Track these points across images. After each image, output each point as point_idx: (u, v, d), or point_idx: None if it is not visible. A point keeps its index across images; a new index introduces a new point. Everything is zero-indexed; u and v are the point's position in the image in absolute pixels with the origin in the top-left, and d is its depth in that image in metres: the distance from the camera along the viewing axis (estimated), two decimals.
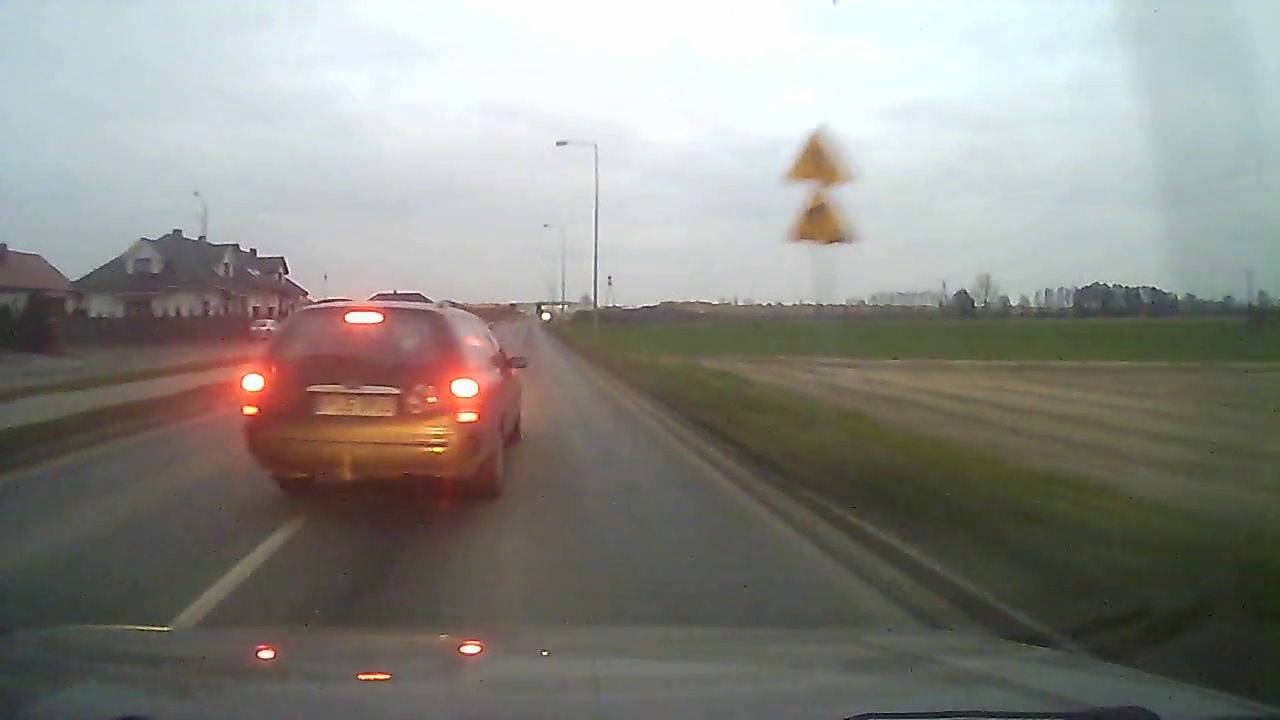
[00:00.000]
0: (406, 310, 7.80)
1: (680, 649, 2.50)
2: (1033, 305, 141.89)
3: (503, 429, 7.91)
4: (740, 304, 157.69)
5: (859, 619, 4.51)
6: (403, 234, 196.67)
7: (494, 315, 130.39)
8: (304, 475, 7.07)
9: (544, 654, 2.40)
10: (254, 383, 6.77)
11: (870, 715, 1.41)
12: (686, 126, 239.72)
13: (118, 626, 2.97)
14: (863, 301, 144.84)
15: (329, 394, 6.58)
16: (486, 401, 7.00)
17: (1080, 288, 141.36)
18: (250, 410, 6.74)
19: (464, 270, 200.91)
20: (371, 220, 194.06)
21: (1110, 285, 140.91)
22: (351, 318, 7.26)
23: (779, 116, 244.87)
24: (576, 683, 2.07)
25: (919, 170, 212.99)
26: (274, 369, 6.83)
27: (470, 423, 6.64)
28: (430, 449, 6.52)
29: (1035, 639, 3.38)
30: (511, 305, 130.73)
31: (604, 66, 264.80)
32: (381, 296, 9.44)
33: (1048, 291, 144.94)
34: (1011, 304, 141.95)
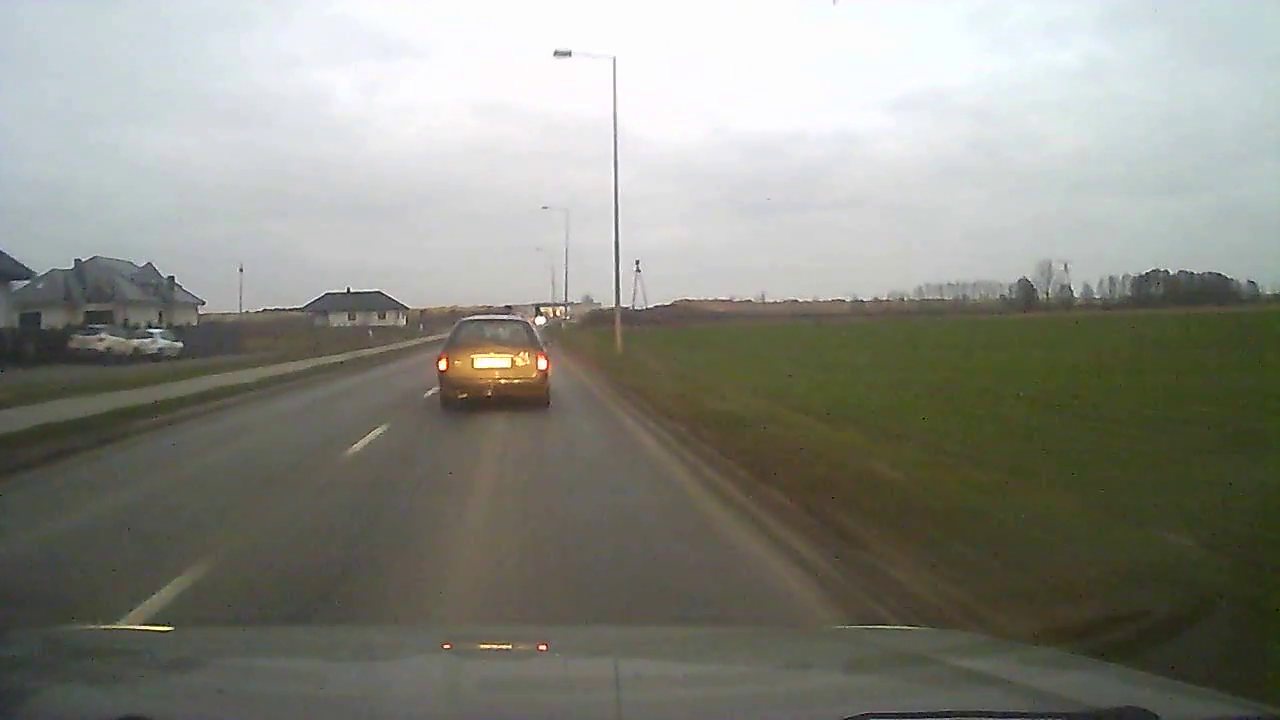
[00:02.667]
0: (510, 319, 17.25)
1: (679, 649, 2.51)
2: (1096, 294, 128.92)
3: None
4: (763, 301, 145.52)
5: (858, 619, 4.50)
6: (394, 237, 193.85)
7: None
8: (465, 395, 14.22)
9: (543, 654, 2.41)
10: (443, 354, 14.39)
11: (870, 715, 1.41)
12: (684, 123, 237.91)
13: (118, 626, 2.98)
14: (905, 296, 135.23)
15: (481, 356, 14.20)
16: (548, 360, 14.72)
17: (1140, 274, 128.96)
18: (443, 366, 14.17)
19: (458, 271, 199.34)
20: (363, 223, 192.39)
21: (1172, 272, 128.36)
22: (487, 323, 16.40)
23: (779, 112, 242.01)
24: (575, 682, 2.08)
25: (953, 158, 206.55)
26: (454, 346, 14.49)
27: (543, 370, 14.37)
28: (526, 381, 14.09)
29: (1035, 639, 3.38)
30: (506, 307, 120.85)
31: (598, 63, 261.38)
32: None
33: (1111, 279, 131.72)
34: (1074, 293, 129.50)
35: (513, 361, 14.11)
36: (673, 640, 2.75)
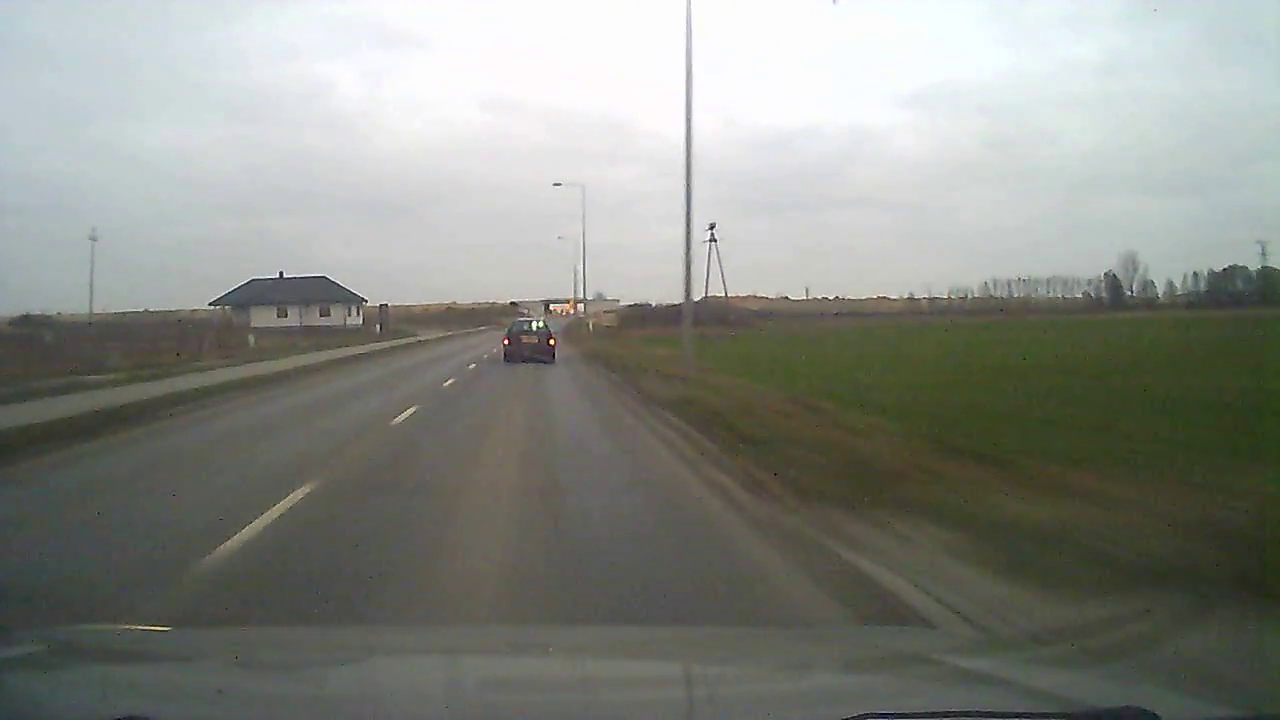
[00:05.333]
0: (536, 319, 35.10)
1: (680, 649, 2.51)
2: (1179, 290, 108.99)
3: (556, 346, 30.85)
4: (808, 299, 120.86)
5: (857, 619, 4.49)
6: (396, 232, 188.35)
7: (467, 320, 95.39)
8: (517, 359, 28.39)
9: (544, 654, 2.41)
10: (505, 335, 31.52)
11: (870, 715, 1.41)
12: (696, 118, 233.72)
13: (118, 626, 2.98)
14: (969, 292, 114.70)
15: (524, 336, 30.15)
16: (556, 339, 32.14)
17: (1218, 270, 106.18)
18: (506, 341, 30.33)
19: (461, 268, 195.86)
20: (364, 219, 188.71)
21: (1252, 268, 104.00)
22: (525, 321, 34.41)
23: (792, 106, 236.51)
24: (576, 682, 2.08)
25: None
26: (511, 330, 31.34)
27: (554, 344, 30.67)
28: (545, 349, 29.31)
29: (1035, 639, 3.38)
30: (512, 303, 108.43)
31: (607, 56, 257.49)
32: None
33: (1195, 274, 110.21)
34: (1157, 288, 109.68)
35: (539, 340, 29.51)
36: (672, 641, 2.75)
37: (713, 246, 72.88)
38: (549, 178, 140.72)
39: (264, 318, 64.37)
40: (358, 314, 74.54)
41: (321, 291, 72.75)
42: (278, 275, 73.60)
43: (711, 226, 71.15)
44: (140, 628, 3.09)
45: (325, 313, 70.30)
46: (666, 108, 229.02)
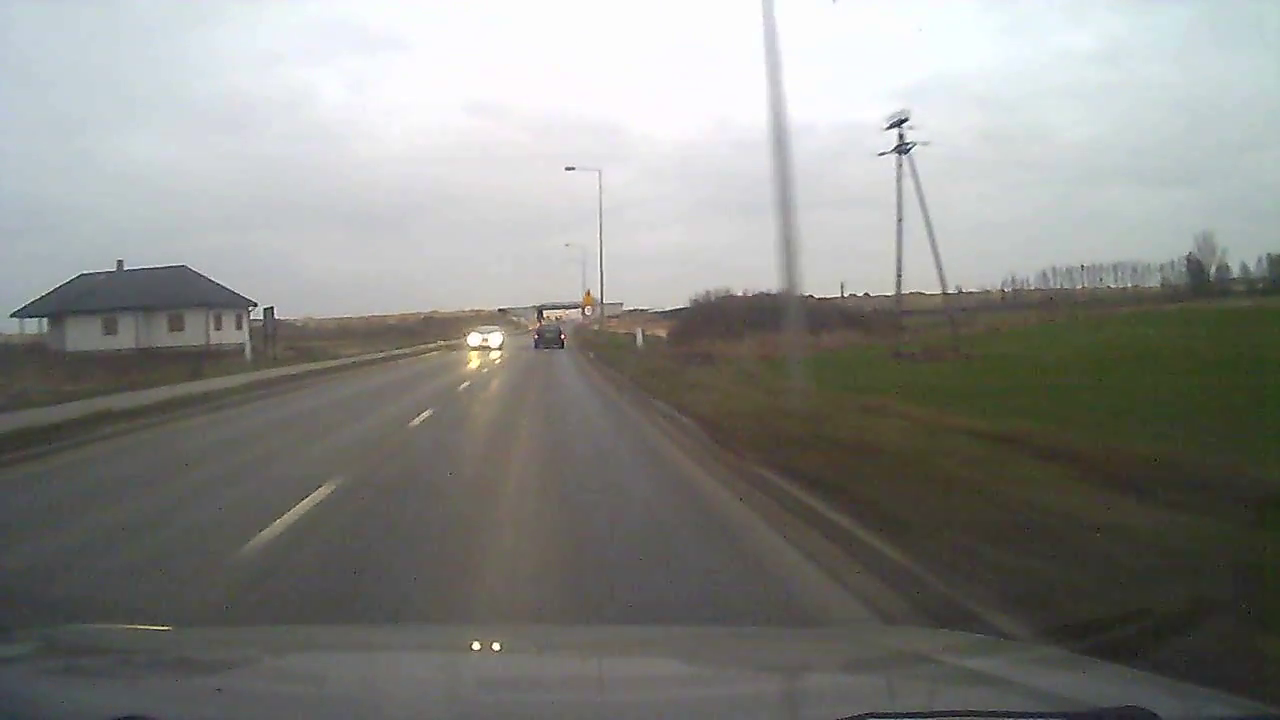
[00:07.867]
0: (553, 324, 63.85)
1: (680, 649, 2.51)
2: (1254, 274, 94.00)
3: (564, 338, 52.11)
4: (842, 297, 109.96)
5: (857, 619, 4.49)
6: (383, 244, 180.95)
7: (443, 330, 77.52)
8: (545, 347, 46.49)
9: (543, 654, 2.41)
10: (535, 331, 56.47)
11: (870, 715, 1.41)
12: (686, 119, 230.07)
13: (118, 626, 2.98)
14: (1026, 283, 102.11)
15: (546, 333, 51.20)
16: (567, 334, 53.93)
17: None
18: (534, 335, 52.83)
19: (454, 275, 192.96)
20: (353, 232, 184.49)
21: None
22: (546, 323, 67.90)
23: (790, 103, 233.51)
24: (576, 682, 2.09)
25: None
26: (539, 329, 55.81)
27: (563, 337, 50.90)
28: (561, 339, 49.25)
29: (1035, 639, 3.38)
30: (501, 310, 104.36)
31: (595, 57, 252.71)
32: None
33: (1269, 255, 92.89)
34: (1231, 271, 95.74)
35: (554, 336, 48.77)
36: (672, 640, 2.75)
37: (904, 161, 35.38)
38: (539, 181, 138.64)
39: (85, 334, 44.06)
40: (239, 325, 48.67)
41: (177, 292, 46.20)
42: (115, 266, 49.61)
43: (900, 122, 34.65)
44: (140, 627, 3.09)
45: (178, 324, 45.56)
46: (657, 109, 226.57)
